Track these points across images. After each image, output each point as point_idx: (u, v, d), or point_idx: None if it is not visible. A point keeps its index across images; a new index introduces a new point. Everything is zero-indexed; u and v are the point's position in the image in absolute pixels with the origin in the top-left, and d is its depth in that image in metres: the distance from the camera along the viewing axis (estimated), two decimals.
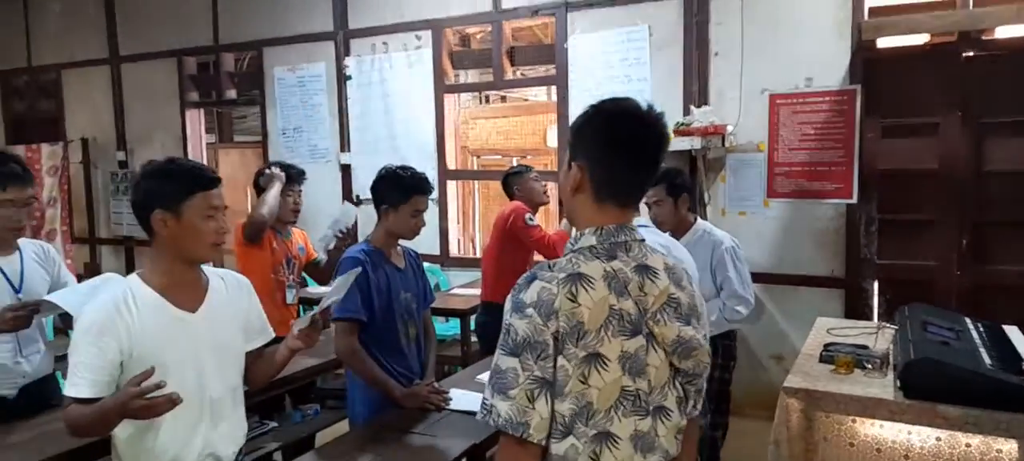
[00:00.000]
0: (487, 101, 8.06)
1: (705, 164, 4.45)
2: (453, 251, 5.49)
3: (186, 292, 1.81)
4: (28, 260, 2.38)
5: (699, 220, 3.17)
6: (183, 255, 1.78)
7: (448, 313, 4.45)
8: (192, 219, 1.74)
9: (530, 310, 1.24)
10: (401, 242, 2.61)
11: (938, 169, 3.94)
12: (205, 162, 6.50)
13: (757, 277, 4.35)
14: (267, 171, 3.45)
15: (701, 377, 1.40)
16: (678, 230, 3.12)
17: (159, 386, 1.58)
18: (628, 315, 1.27)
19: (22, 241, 2.39)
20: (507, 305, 1.28)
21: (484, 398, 1.27)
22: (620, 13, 4.64)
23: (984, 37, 3.77)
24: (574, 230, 1.39)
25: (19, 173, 2.28)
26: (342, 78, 5.60)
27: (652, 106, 1.35)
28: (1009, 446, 2.20)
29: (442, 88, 5.31)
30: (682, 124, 4.23)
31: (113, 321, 1.69)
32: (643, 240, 1.36)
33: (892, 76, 4.01)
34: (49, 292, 2.30)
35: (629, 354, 1.27)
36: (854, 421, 2.43)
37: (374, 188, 2.49)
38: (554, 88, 5.08)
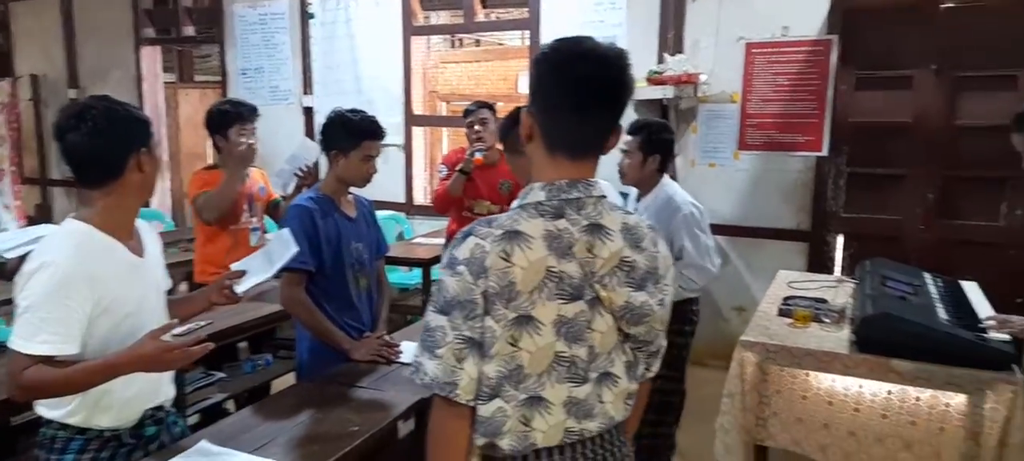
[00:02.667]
0: (461, 44, 7.86)
1: (677, 114, 4.37)
2: (418, 199, 5.38)
3: (133, 237, 1.76)
4: None
5: (665, 180, 2.97)
6: (148, 195, 1.77)
7: (411, 262, 4.38)
8: (156, 158, 1.73)
9: (461, 267, 1.18)
10: (353, 190, 2.51)
11: (911, 123, 3.89)
12: (162, 102, 6.30)
13: (724, 230, 4.33)
14: (238, 146, 3.10)
15: (654, 343, 1.34)
16: (644, 187, 3.00)
17: (201, 341, 1.61)
18: (569, 278, 1.20)
19: None
20: (442, 260, 1.23)
21: (415, 355, 1.23)
22: None
23: None
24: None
25: None
26: (305, 16, 5.39)
27: (615, 45, 1.23)
28: (958, 400, 2.21)
29: (410, 30, 5.12)
30: (654, 72, 4.13)
31: (83, 270, 1.58)
32: (602, 197, 1.26)
33: (870, 27, 3.93)
34: None
35: (566, 319, 1.21)
36: (808, 375, 2.42)
37: (323, 132, 2.38)
38: (528, 32, 4.93)
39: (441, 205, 3.76)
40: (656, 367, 1.40)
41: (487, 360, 1.19)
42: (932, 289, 2.73)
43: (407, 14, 5.10)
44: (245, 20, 5.64)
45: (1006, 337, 2.26)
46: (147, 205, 1.65)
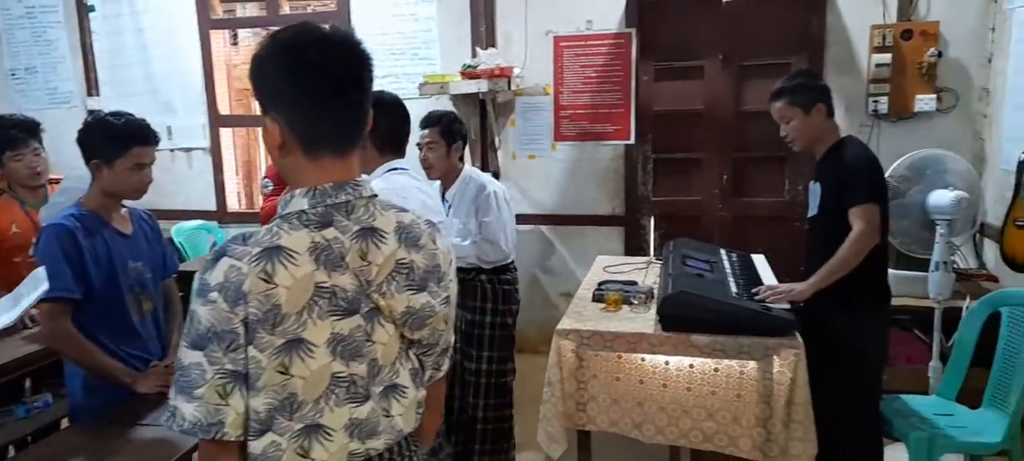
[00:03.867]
0: None
1: (495, 108, 4.39)
2: (231, 206, 5.00)
3: None
4: None
5: (467, 167, 3.08)
6: None
7: None
8: None
9: (214, 294, 1.04)
10: (128, 204, 2.23)
11: (704, 110, 4.18)
12: None
13: (547, 219, 4.44)
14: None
15: (439, 344, 1.28)
16: (448, 178, 3.02)
17: None
18: (343, 292, 1.10)
19: None
20: (194, 286, 1.07)
21: (170, 398, 1.08)
22: None
23: None
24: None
25: None
26: (83, 9, 4.80)
27: (336, 26, 1.16)
28: (750, 367, 2.37)
29: (207, 23, 4.72)
30: (468, 66, 4.11)
31: None
32: (374, 196, 1.17)
33: (663, 20, 4.16)
34: None
35: (342, 337, 1.11)
36: (619, 357, 2.50)
37: (81, 140, 2.08)
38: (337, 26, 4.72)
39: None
40: (445, 365, 1.34)
41: (254, 394, 1.07)
42: (726, 265, 2.93)
43: (203, 6, 4.69)
44: (10, 13, 4.93)
45: (787, 305, 2.47)
46: None
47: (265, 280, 1.04)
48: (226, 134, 4.95)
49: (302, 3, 4.93)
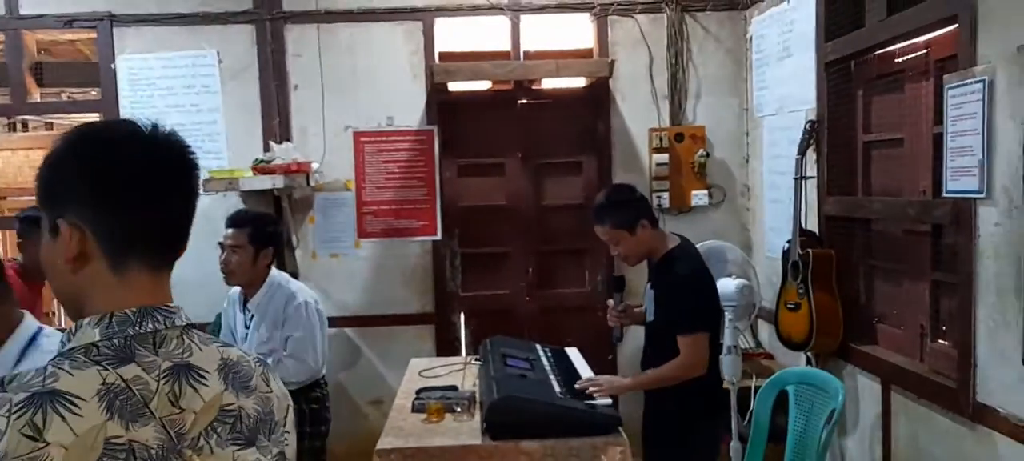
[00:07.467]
0: (25, 128, 6.39)
1: (291, 205, 4.11)
2: None
3: None
4: None
5: (274, 272, 2.81)
6: None
7: None
8: None
9: None
10: None
11: (506, 205, 4.27)
12: None
13: (353, 321, 4.18)
14: None
15: None
16: (252, 286, 2.74)
17: None
18: (145, 450, 0.85)
19: None
20: None
21: None
22: (183, 34, 4.03)
23: (533, 87, 4.23)
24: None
25: None
26: None
27: (157, 123, 0.97)
28: None
29: None
30: (261, 161, 3.81)
31: None
32: (189, 326, 0.95)
33: (464, 118, 4.24)
34: None
35: None
36: None
37: None
38: (101, 116, 4.17)
39: None
40: None
41: None
42: (545, 362, 2.92)
43: None
44: None
45: (609, 400, 2.49)
46: None
47: (32, 438, 0.78)
48: None
49: (55, 91, 4.30)
